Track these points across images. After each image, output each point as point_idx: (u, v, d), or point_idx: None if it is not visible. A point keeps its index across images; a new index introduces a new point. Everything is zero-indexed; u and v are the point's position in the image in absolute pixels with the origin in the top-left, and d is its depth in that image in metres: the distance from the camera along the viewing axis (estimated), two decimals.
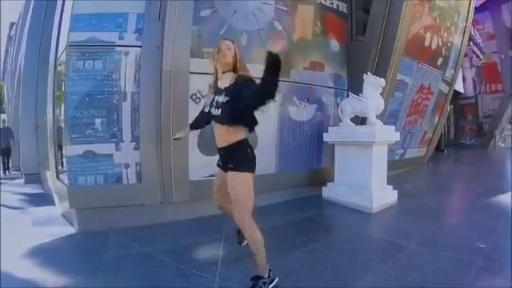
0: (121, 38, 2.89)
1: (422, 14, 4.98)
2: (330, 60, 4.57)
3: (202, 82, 3.29)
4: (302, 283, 1.90)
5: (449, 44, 5.93)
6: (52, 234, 2.85)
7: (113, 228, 2.89)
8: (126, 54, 2.93)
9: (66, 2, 3.49)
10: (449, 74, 6.26)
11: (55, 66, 3.48)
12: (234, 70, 1.79)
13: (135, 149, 3.08)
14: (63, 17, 3.45)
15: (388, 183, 3.84)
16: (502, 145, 12.64)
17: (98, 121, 2.90)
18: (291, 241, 2.56)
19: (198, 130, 3.26)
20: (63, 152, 2.99)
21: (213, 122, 1.83)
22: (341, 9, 4.68)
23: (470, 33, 8.69)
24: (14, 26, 13.48)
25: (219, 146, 1.83)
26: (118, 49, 2.89)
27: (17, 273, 2.12)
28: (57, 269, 2.15)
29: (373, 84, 3.71)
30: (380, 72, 4.40)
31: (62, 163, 3.52)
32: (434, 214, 3.29)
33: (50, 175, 4.27)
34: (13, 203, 4.38)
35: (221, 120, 1.74)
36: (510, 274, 1.91)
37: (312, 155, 4.36)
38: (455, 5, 5.81)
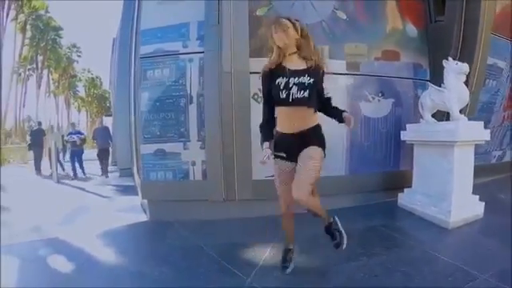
0: (184, 46, 3.16)
1: None
2: (407, 47, 4.01)
3: None
4: None
5: None
6: (128, 220, 3.39)
7: (178, 219, 3.21)
8: (190, 60, 3.18)
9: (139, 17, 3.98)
10: None
11: (135, 76, 4.02)
12: (299, 48, 1.76)
13: (201, 148, 3.32)
14: (138, 30, 3.93)
15: (478, 192, 3.20)
16: None
17: (167, 122, 3.23)
18: (344, 251, 2.31)
19: None
20: (138, 150, 3.44)
21: (282, 108, 1.78)
22: None
23: None
24: (115, 40, 15.94)
25: (293, 131, 1.77)
26: (182, 56, 3.17)
27: (90, 249, 2.64)
28: (117, 249, 2.63)
29: (454, 71, 3.12)
30: (465, 57, 3.65)
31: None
32: None
33: (135, 170, 4.99)
34: (104, 193, 5.32)
35: (308, 102, 1.72)
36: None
37: (388, 157, 3.91)
38: None
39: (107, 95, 36.73)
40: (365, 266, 2.20)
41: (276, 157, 1.86)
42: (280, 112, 1.82)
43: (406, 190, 3.57)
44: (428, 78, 4.07)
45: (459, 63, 3.15)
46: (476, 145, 3.73)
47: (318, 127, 1.84)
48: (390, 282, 1.98)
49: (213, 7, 3.11)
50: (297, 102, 1.71)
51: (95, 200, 4.89)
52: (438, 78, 3.60)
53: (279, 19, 1.79)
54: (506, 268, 2.07)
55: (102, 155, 7.60)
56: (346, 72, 3.58)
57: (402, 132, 3.61)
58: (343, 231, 2.03)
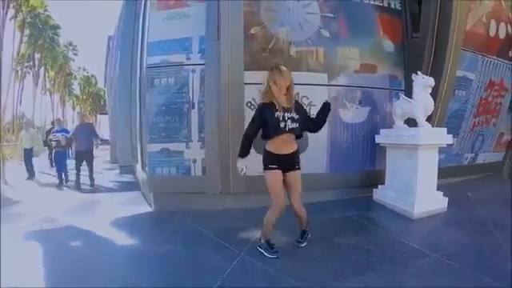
0: (188, 58, 3.63)
1: None
2: (384, 61, 4.53)
3: (256, 91, 3.79)
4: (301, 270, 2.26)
5: None
6: (134, 211, 3.86)
7: (180, 210, 3.66)
8: (193, 71, 3.65)
9: (144, 29, 4.42)
10: None
11: (140, 81, 4.48)
12: (287, 91, 2.36)
13: (201, 147, 3.78)
14: (144, 42, 4.38)
15: (448, 189, 3.71)
16: None
17: (172, 125, 3.70)
18: (316, 235, 2.75)
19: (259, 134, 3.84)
20: (145, 149, 3.90)
21: (280, 136, 2.35)
22: (393, 6, 4.57)
23: None
24: (112, 39, 16.02)
25: (285, 153, 2.40)
26: (186, 67, 3.64)
27: (104, 234, 3.13)
28: (129, 234, 3.14)
29: (421, 84, 3.62)
30: (437, 70, 4.19)
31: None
32: (482, 228, 3.01)
33: (138, 167, 5.42)
34: (108, 188, 5.80)
35: (297, 132, 2.36)
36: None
37: (365, 157, 4.42)
38: None
39: (102, 93, 37.13)
40: (338, 245, 2.71)
41: (271, 169, 2.41)
42: (277, 138, 2.35)
43: (379, 186, 4.08)
44: (403, 88, 4.58)
45: (426, 77, 3.65)
46: (449, 147, 4.28)
47: (298, 150, 2.49)
48: (355, 257, 2.46)
49: (213, 24, 3.57)
50: (291, 131, 2.33)
51: (100, 195, 5.33)
52: (411, 89, 4.09)
53: (282, 67, 2.34)
54: (456, 249, 2.53)
55: (85, 158, 5.94)
56: (327, 83, 4.06)
57: (376, 136, 4.13)
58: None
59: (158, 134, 3.69)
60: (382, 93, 4.51)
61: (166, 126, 3.68)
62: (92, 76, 39.84)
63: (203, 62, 3.63)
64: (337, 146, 4.19)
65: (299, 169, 2.45)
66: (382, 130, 4.11)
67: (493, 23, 4.75)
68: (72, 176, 6.08)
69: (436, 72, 4.15)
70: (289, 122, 2.31)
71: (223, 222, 3.36)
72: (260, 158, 3.85)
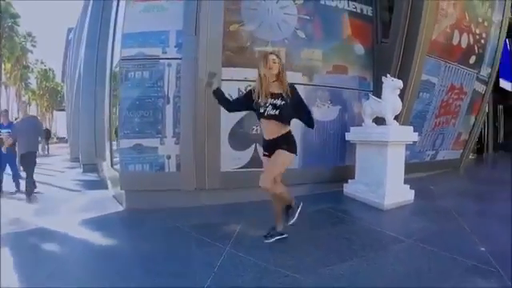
0: (164, 52, 3.53)
1: (447, 11, 4.87)
2: (354, 63, 4.76)
3: (232, 88, 3.80)
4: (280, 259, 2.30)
5: (482, 41, 5.65)
6: (104, 210, 3.65)
7: (154, 208, 3.54)
8: (169, 65, 3.56)
9: (118, 20, 4.24)
10: (484, 72, 5.94)
11: (111, 75, 4.26)
12: (278, 77, 2.34)
13: (176, 143, 3.70)
14: (116, 34, 4.20)
15: (413, 184, 3.96)
16: None
17: (146, 120, 3.57)
18: (296, 228, 2.71)
19: (229, 129, 3.83)
20: (117, 145, 3.71)
21: (261, 120, 2.38)
22: (365, 12, 4.82)
23: None
24: (72, 30, 15.00)
25: (270, 138, 2.37)
26: (161, 61, 3.54)
27: (75, 234, 2.90)
28: (107, 233, 2.90)
29: (390, 86, 3.86)
30: (403, 73, 4.48)
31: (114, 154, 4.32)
32: (447, 216, 3.29)
33: (105, 164, 5.16)
34: (72, 187, 5.41)
35: (278, 118, 2.32)
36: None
37: (336, 154, 4.60)
38: None
39: (59, 88, 34.81)
40: (318, 236, 2.78)
41: (264, 155, 2.51)
42: (261, 123, 2.43)
43: (349, 180, 4.27)
44: (372, 89, 4.85)
45: (395, 80, 3.90)
46: (413, 145, 4.57)
47: (287, 135, 2.41)
48: (337, 246, 2.56)
49: (190, 19, 3.52)
50: (269, 117, 2.33)
51: (65, 194, 4.98)
52: (379, 90, 4.36)
53: (269, 55, 2.35)
54: (427, 235, 2.75)
55: (26, 161, 4.79)
56: (302, 82, 4.15)
57: (346, 133, 4.31)
58: (296, 216, 2.57)
59: (131, 129, 3.55)
60: (352, 93, 4.75)
61: (139, 121, 3.55)
62: (50, 70, 37.38)
63: (180, 57, 3.56)
64: (309, 142, 4.31)
65: (282, 149, 2.35)
66: (351, 128, 4.31)
67: (456, 33, 5.18)
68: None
69: (403, 75, 4.43)
70: (269, 107, 2.31)
71: (200, 218, 3.30)
72: (236, 154, 3.94)
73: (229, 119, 3.82)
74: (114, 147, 4.30)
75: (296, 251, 2.44)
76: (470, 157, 7.67)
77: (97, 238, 2.83)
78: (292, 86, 2.40)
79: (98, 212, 3.61)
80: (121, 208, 3.74)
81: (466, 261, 2.21)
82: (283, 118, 2.34)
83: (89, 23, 7.36)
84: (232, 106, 2.66)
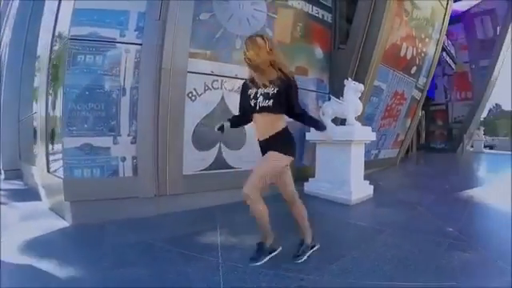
0: (122, 35, 3.01)
1: (399, 25, 5.44)
2: (314, 66, 4.91)
3: (199, 82, 3.52)
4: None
5: (422, 54, 6.50)
6: (42, 228, 2.85)
7: (107, 220, 2.94)
8: (127, 50, 3.05)
9: None
10: (421, 81, 6.86)
11: (50, 59, 3.49)
12: (271, 64, 1.93)
13: (132, 143, 3.20)
14: (60, 10, 3.47)
15: (365, 180, 4.23)
16: (471, 149, 13.63)
17: (96, 114, 2.99)
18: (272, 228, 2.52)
19: (193, 126, 3.51)
20: (61, 145, 3.01)
21: (254, 116, 2.00)
22: (325, 18, 5.04)
23: (444, 43, 9.40)
24: None
25: (262, 138, 2.02)
26: (118, 45, 3.01)
27: (14, 262, 2.17)
28: (56, 261, 2.15)
29: (353, 89, 4.08)
30: (359, 78, 4.78)
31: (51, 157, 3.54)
32: (406, 205, 3.71)
33: (37, 170, 4.22)
34: None
35: (271, 109, 1.92)
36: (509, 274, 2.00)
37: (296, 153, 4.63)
38: (430, 18, 6.38)
39: None
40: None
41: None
42: (254, 120, 2.05)
43: (310, 179, 4.35)
44: (328, 91, 5.09)
45: (356, 83, 4.13)
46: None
47: (281, 132, 2.02)
48: (327, 242, 2.48)
49: (154, 1, 3.10)
50: (262, 109, 1.94)
51: None
52: (335, 92, 4.58)
53: (253, 38, 1.94)
54: (400, 222, 3.00)
55: None
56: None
57: (307, 133, 4.37)
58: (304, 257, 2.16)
59: (79, 125, 2.91)
60: (310, 94, 4.90)
61: (88, 116, 2.94)
62: None
63: (140, 42, 3.10)
64: None
65: (275, 150, 1.98)
66: (311, 128, 4.37)
67: (404, 46, 5.81)
68: None
69: (358, 80, 4.68)
70: (260, 98, 1.93)
71: (169, 229, 2.85)
72: (198, 154, 3.62)
73: (194, 115, 3.52)
74: (53, 148, 3.52)
75: (288, 255, 2.26)
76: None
77: (43, 273, 2.01)
78: (285, 75, 1.95)
79: (36, 231, 2.76)
80: (65, 224, 2.99)
81: (444, 240, 2.53)
82: (278, 109, 1.94)
83: (18, 4, 6.06)
84: (246, 117, 2.13)
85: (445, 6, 6.61)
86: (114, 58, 3.00)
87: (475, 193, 4.37)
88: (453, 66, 12.95)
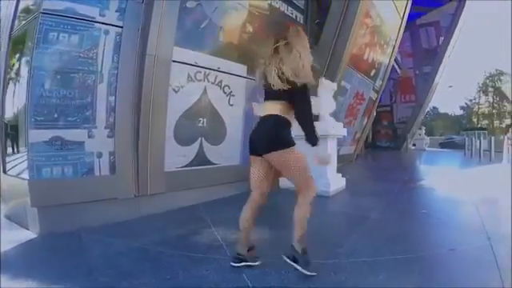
0: (102, 14, 2.66)
1: (365, 32, 5.94)
2: None
3: (182, 73, 3.34)
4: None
5: (381, 59, 7.20)
6: (6, 241, 2.29)
7: (81, 227, 2.55)
8: (106, 32, 2.71)
9: None
10: (378, 83, 7.60)
11: (10, 36, 2.89)
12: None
13: (109, 136, 2.87)
14: None
15: None
16: (413, 147, 15.28)
17: (69, 102, 2.59)
18: (261, 222, 2.32)
19: (176, 119, 3.30)
20: (24, 139, 2.51)
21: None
22: (298, 19, 5.22)
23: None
24: None
25: None
26: (97, 25, 2.65)
27: None
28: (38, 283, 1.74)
29: (326, 87, 4.32)
30: (328, 78, 5.06)
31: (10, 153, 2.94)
32: (380, 195, 4.05)
33: None
34: None
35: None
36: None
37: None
38: (389, 27, 7.09)
39: None
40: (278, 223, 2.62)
41: None
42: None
43: None
44: None
45: (330, 82, 4.39)
46: None
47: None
48: (327, 230, 2.61)
49: None
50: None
51: None
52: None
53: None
54: (382, 208, 3.28)
55: None
56: (246, 76, 4.03)
57: None
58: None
59: (47, 114, 2.47)
60: None
61: (59, 103, 2.52)
62: None
63: (121, 25, 2.78)
64: (246, 138, 4.22)
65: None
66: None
67: (367, 50, 6.35)
68: None
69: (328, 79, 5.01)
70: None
71: (157, 231, 2.57)
72: (180, 150, 3.41)
73: (176, 106, 3.32)
74: (11, 143, 2.91)
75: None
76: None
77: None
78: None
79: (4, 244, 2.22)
80: (31, 234, 2.49)
81: (422, 219, 2.99)
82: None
83: None
84: None
85: (401, 16, 7.34)
86: (91, 40, 2.63)
87: (428, 182, 5.12)
88: (398, 71, 14.32)
